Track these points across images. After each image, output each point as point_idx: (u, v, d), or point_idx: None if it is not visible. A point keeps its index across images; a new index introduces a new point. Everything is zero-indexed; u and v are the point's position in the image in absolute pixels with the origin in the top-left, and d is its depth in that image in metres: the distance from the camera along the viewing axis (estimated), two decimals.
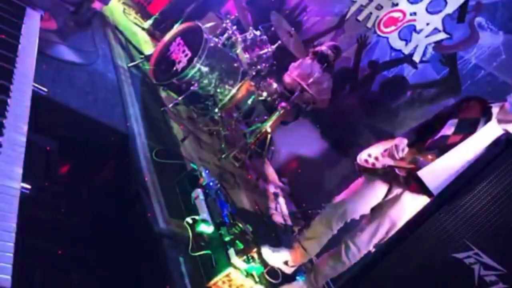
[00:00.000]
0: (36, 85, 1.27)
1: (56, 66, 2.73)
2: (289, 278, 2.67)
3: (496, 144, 1.45)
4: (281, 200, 3.93)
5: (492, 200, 1.38)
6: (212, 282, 2.09)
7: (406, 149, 2.28)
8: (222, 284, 2.10)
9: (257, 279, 2.19)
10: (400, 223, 2.28)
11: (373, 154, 2.41)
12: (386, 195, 2.37)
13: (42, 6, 1.60)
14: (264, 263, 2.53)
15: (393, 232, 2.33)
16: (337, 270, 2.47)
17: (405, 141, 2.29)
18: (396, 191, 2.33)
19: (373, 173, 2.40)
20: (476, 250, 1.39)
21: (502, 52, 3.51)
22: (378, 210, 2.40)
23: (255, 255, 2.23)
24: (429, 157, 2.12)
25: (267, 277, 2.55)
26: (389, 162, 2.31)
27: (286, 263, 2.66)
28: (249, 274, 2.15)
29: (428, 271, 1.53)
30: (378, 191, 2.40)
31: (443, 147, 2.11)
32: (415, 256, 1.58)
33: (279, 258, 2.65)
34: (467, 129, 2.09)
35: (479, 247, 1.39)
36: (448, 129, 2.18)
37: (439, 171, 1.78)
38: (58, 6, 3.07)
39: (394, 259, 1.64)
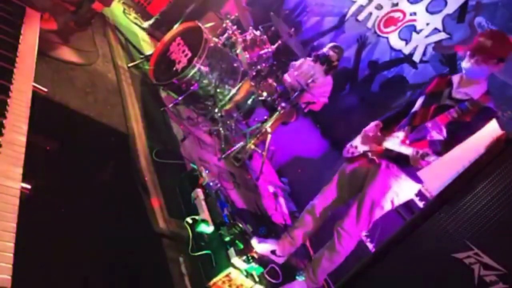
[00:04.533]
0: (36, 85, 1.27)
1: (56, 66, 2.73)
2: (289, 278, 2.67)
3: (496, 144, 1.45)
4: (281, 200, 3.93)
5: (492, 200, 1.38)
6: (212, 282, 2.09)
7: (378, 132, 2.51)
8: (222, 284, 2.10)
9: (257, 279, 2.19)
10: (380, 200, 2.40)
11: (354, 143, 2.65)
12: (366, 177, 2.51)
13: (42, 6, 1.60)
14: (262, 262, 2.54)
15: (377, 211, 2.42)
16: (334, 262, 2.51)
17: (375, 124, 2.55)
18: (374, 171, 2.47)
19: (353, 161, 2.62)
20: (476, 250, 1.39)
21: None
22: (360, 192, 2.51)
23: (255, 255, 2.23)
24: (399, 134, 2.34)
25: (267, 277, 2.56)
26: (365, 148, 2.52)
27: (273, 252, 2.77)
28: (249, 274, 2.15)
29: (428, 271, 1.53)
30: (357, 173, 2.57)
31: (413, 122, 2.36)
32: (415, 256, 1.58)
33: (266, 247, 2.74)
34: (432, 101, 2.34)
35: (479, 247, 1.39)
36: (417, 106, 2.42)
37: (439, 171, 1.78)
38: (58, 6, 3.07)
39: (394, 258, 1.64)
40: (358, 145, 2.60)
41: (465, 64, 2.20)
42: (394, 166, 2.37)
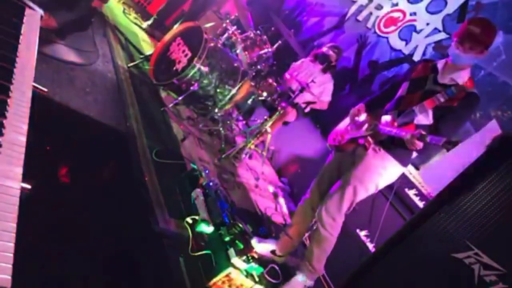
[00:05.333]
0: (36, 85, 1.27)
1: (56, 66, 2.73)
2: (289, 278, 2.66)
3: (496, 144, 1.45)
4: (281, 200, 3.93)
5: (492, 200, 1.38)
6: (212, 282, 2.09)
7: (365, 116, 2.51)
8: (222, 284, 2.10)
9: (257, 279, 2.19)
10: (366, 181, 2.40)
11: (339, 131, 2.65)
12: (353, 162, 2.50)
13: (41, 4, 1.60)
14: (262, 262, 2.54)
15: (361, 193, 2.42)
16: (325, 248, 2.51)
17: (359, 108, 2.56)
18: (361, 153, 2.47)
19: (341, 149, 2.61)
20: (476, 250, 1.39)
21: (502, 52, 3.51)
22: (345, 174, 2.52)
23: (255, 255, 2.23)
24: (386, 117, 2.36)
25: (267, 277, 2.56)
26: (352, 134, 2.51)
27: (273, 252, 2.79)
28: (249, 274, 2.15)
29: (428, 271, 1.53)
30: (345, 160, 2.57)
31: (399, 107, 2.38)
32: (415, 256, 1.58)
33: (266, 247, 2.76)
34: (417, 87, 2.36)
35: (479, 247, 1.39)
36: (402, 91, 2.43)
37: (439, 170, 1.78)
38: (57, 5, 3.07)
39: (394, 258, 1.64)
40: (343, 132, 2.61)
41: (452, 50, 2.23)
42: (381, 148, 2.38)
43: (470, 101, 2.20)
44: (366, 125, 2.47)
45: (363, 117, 2.53)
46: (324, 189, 2.66)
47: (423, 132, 2.00)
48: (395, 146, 2.31)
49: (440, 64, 2.34)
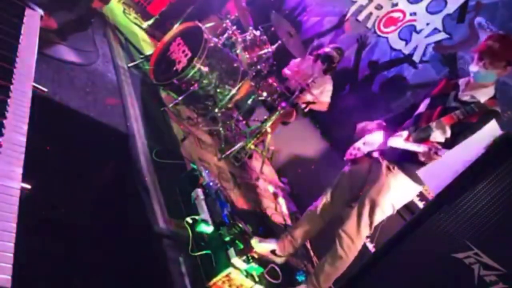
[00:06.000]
0: (36, 85, 1.27)
1: (56, 66, 2.73)
2: (289, 278, 2.66)
3: (496, 144, 1.45)
4: (281, 200, 3.93)
5: (492, 200, 1.37)
6: (212, 282, 2.09)
7: (382, 132, 2.51)
8: (222, 284, 2.10)
9: (257, 279, 2.19)
10: (380, 201, 2.37)
11: (356, 146, 2.65)
12: (368, 176, 2.49)
13: (41, 4, 1.60)
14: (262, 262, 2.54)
15: (378, 213, 2.39)
16: (337, 267, 2.47)
17: (378, 123, 2.58)
18: (375, 171, 2.45)
19: (356, 162, 2.61)
20: (476, 250, 1.39)
21: None
22: (361, 195, 2.49)
23: (255, 255, 2.23)
24: (403, 133, 2.36)
25: (267, 277, 2.56)
26: (368, 148, 2.52)
27: (274, 252, 2.76)
28: (249, 274, 2.15)
29: (428, 271, 1.53)
30: (358, 174, 2.56)
31: (417, 123, 2.35)
32: (415, 256, 1.58)
33: (266, 247, 2.74)
34: (437, 103, 2.33)
35: (479, 247, 1.39)
36: (423, 107, 2.41)
37: (439, 170, 1.78)
38: (57, 5, 3.07)
39: (394, 259, 1.64)
40: (361, 146, 2.60)
41: (473, 67, 2.18)
42: (395, 167, 2.35)
43: (491, 118, 2.08)
44: (380, 141, 2.47)
45: (380, 133, 2.51)
46: (336, 199, 2.65)
47: (439, 147, 1.98)
48: (409, 164, 2.26)
49: (462, 81, 2.30)
